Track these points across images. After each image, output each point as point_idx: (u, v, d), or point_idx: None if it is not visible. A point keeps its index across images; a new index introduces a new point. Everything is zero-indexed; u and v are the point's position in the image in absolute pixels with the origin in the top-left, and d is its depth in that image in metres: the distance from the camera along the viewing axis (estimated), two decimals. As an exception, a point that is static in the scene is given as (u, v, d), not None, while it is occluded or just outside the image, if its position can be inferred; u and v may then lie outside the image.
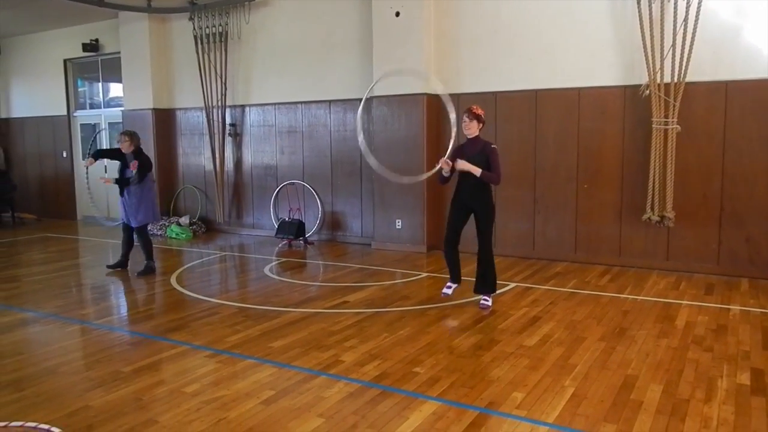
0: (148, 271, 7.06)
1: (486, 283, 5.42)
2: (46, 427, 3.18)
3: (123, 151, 6.93)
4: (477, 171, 5.09)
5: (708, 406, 3.37)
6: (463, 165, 5.12)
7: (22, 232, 10.68)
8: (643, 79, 6.60)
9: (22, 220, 11.85)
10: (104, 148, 7.03)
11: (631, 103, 6.83)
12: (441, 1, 7.88)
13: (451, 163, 5.18)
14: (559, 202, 7.39)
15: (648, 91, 6.54)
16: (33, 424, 3.21)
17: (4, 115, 12.89)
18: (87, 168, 7.05)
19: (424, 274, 6.78)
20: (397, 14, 7.86)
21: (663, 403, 3.40)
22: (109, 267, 7.29)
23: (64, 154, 12.08)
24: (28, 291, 6.41)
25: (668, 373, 3.85)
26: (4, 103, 12.88)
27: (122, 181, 6.93)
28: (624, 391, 3.57)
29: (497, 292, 5.70)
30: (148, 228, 7.53)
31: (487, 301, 5.42)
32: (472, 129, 5.20)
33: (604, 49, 6.95)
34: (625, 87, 6.86)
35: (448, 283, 5.59)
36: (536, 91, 7.40)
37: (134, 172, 6.79)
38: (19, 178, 12.42)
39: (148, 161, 6.98)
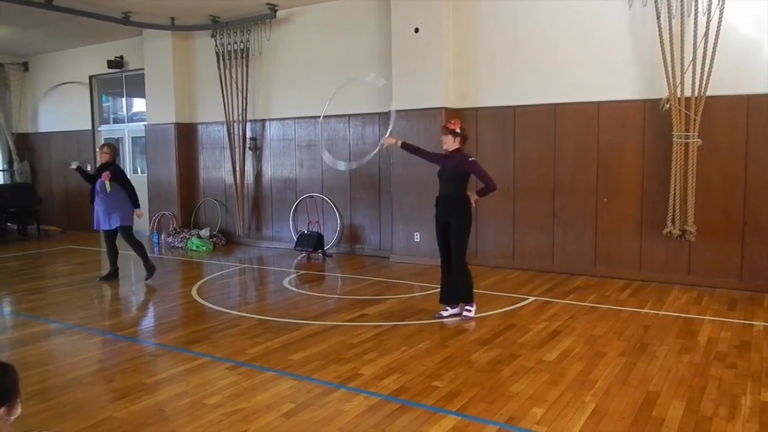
0: (152, 272, 7.27)
1: (466, 290, 5.51)
2: (71, 437, 3.24)
3: (102, 161, 7.30)
4: (392, 141, 5.65)
5: (731, 424, 3.33)
6: (388, 141, 5.67)
7: (46, 244, 10.89)
8: (663, 93, 6.58)
9: (47, 233, 12.08)
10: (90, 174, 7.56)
11: (651, 117, 6.81)
12: (460, 17, 7.94)
13: (392, 141, 5.65)
14: (579, 216, 7.37)
15: (668, 105, 6.52)
16: (59, 434, 3.28)
17: (31, 130, 13.19)
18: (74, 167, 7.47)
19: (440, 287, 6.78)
20: (416, 30, 7.94)
21: (685, 420, 3.37)
22: (101, 279, 7.48)
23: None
24: (53, 302, 6.52)
25: (690, 389, 3.81)
26: (32, 118, 13.18)
27: (91, 178, 7.37)
28: (645, 407, 3.54)
29: (517, 305, 5.68)
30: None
31: (470, 311, 5.49)
32: (449, 143, 5.44)
33: (623, 63, 6.95)
34: (645, 101, 6.84)
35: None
36: (555, 106, 7.40)
37: (105, 182, 7.10)
38: (44, 192, 12.68)
39: (122, 174, 7.37)
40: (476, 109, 7.89)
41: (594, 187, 7.24)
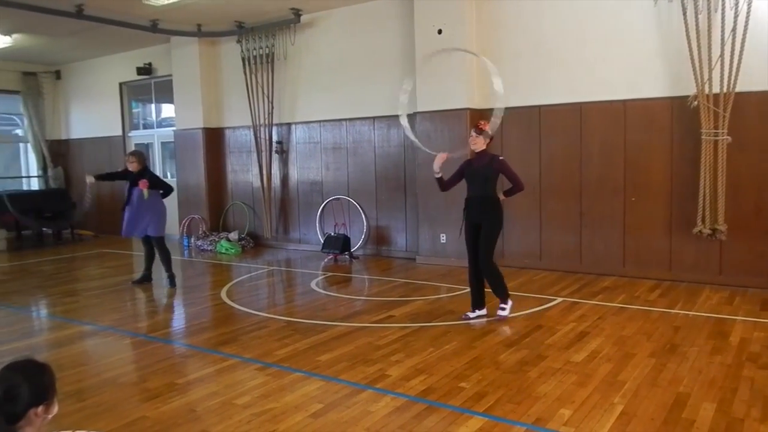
0: (173, 280, 7.38)
1: (501, 291, 5.48)
2: (106, 436, 3.34)
3: (131, 170, 7.28)
4: (440, 162, 5.41)
5: (764, 425, 3.27)
6: (438, 160, 5.42)
7: (80, 248, 11.15)
8: (690, 90, 6.48)
9: (80, 237, 12.37)
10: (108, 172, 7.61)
11: (679, 114, 6.71)
12: (483, 17, 7.93)
13: (440, 162, 5.43)
14: (606, 216, 7.29)
15: (696, 102, 6.42)
16: (94, 433, 3.38)
17: (64, 137, 13.52)
18: (88, 186, 7.52)
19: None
20: (440, 32, 7.94)
21: (716, 422, 3.33)
22: (134, 282, 7.59)
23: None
24: (87, 305, 6.69)
25: (722, 391, 3.76)
26: (64, 125, 13.51)
27: (118, 176, 7.48)
28: (675, 409, 3.51)
29: (544, 306, 5.66)
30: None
31: (504, 310, 5.46)
32: (479, 144, 5.37)
33: (649, 60, 6.86)
34: (672, 98, 6.75)
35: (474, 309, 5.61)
36: (581, 104, 7.35)
37: (144, 190, 7.15)
38: (77, 197, 12.96)
39: (157, 178, 7.48)
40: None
41: (621, 186, 7.17)
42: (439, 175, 5.54)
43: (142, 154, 7.59)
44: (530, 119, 7.72)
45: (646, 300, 6.11)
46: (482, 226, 5.39)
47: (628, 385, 3.87)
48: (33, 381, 1.94)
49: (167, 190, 7.44)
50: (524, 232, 7.85)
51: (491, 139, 5.44)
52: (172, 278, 7.39)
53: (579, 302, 6.08)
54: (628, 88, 7.02)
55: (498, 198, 5.41)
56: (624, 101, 7.07)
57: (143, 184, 7.16)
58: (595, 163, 7.32)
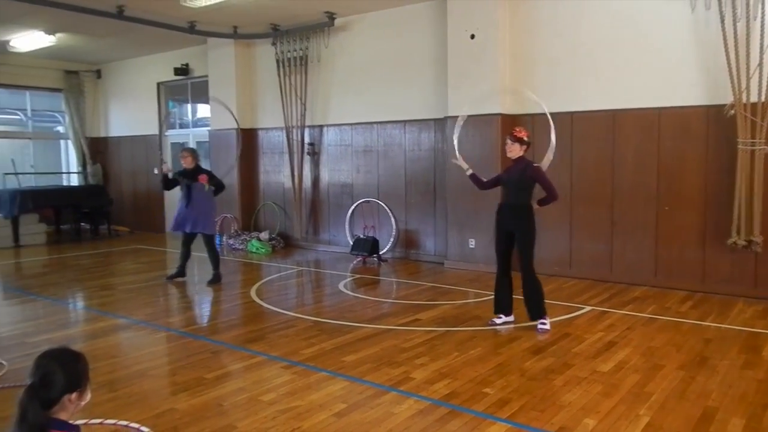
0: (216, 281, 7.48)
1: (533, 306, 5.38)
2: (136, 425, 3.43)
3: (185, 166, 7.41)
4: (465, 166, 5.72)
5: (795, 442, 3.21)
6: (459, 161, 5.73)
7: (116, 244, 11.43)
8: (727, 98, 6.36)
9: (117, 233, 12.68)
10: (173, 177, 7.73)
11: (715, 123, 6.59)
12: (516, 22, 7.90)
13: (464, 165, 5.72)
14: (639, 224, 7.20)
15: (733, 111, 6.30)
16: (125, 423, 3.47)
17: (103, 134, 13.88)
18: (162, 167, 7.71)
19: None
20: (472, 37, 7.94)
21: (745, 437, 3.27)
22: (168, 278, 7.73)
23: (156, 171, 12.84)
24: (121, 299, 6.87)
25: (752, 406, 3.68)
26: (104, 122, 13.87)
27: (171, 185, 7.59)
28: (703, 423, 3.46)
29: (572, 314, 5.61)
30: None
31: (545, 324, 5.35)
32: (515, 151, 5.34)
33: (685, 68, 6.76)
34: (708, 107, 6.63)
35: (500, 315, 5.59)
36: (614, 112, 7.27)
37: (205, 184, 7.27)
38: (114, 193, 13.30)
39: (212, 175, 7.55)
40: (532, 115, 7.82)
41: (654, 194, 7.06)
42: (470, 172, 5.65)
43: (194, 150, 7.70)
44: (562, 125, 7.63)
45: (677, 311, 6.01)
46: (516, 234, 5.35)
47: (655, 397, 3.83)
48: (68, 368, 2.01)
49: (220, 186, 7.55)
50: (554, 239, 7.79)
51: (528, 146, 5.38)
52: (216, 278, 7.49)
53: (608, 311, 6.01)
54: (663, 95, 6.92)
55: (531, 206, 5.34)
56: (659, 109, 6.97)
57: (203, 179, 7.29)
58: (627, 170, 7.23)
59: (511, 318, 5.56)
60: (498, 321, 5.54)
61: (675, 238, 6.97)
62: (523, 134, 5.32)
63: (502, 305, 5.56)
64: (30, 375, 1.97)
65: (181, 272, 7.70)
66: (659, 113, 6.97)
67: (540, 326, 5.35)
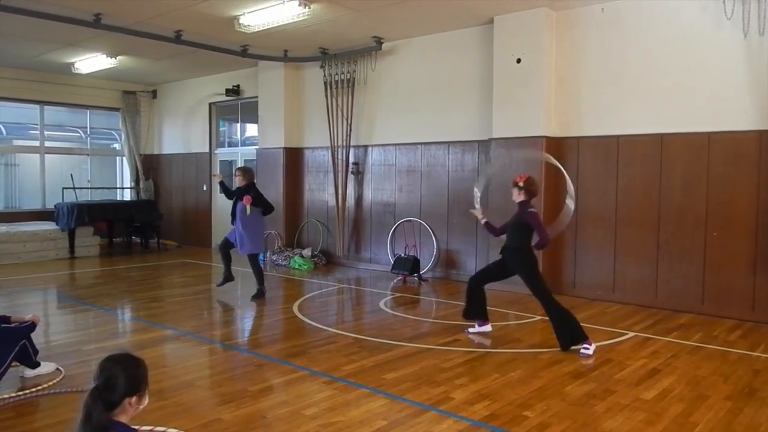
0: (260, 296, 7.62)
1: (561, 337, 5.41)
2: (184, 434, 3.56)
3: (238, 184, 7.60)
4: (479, 216, 6.07)
5: None
6: (476, 212, 6.11)
7: (165, 257, 11.79)
8: (781, 123, 6.24)
9: (166, 247, 13.08)
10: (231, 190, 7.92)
11: (768, 148, 6.46)
12: (563, 46, 7.92)
13: (479, 215, 6.07)
14: (686, 250, 7.06)
15: (787, 137, 6.17)
16: (173, 431, 3.61)
17: (156, 152, 14.39)
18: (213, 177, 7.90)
19: (538, 317, 6.70)
20: (518, 61, 8.00)
21: (794, 471, 3.19)
22: (219, 285, 7.95)
23: (204, 188, 13.25)
24: (170, 311, 7.09)
25: (802, 440, 3.59)
26: (157, 140, 14.39)
27: (230, 194, 7.72)
28: (749, 454, 3.38)
29: (615, 340, 5.54)
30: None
31: (588, 349, 5.32)
32: (515, 196, 5.61)
33: (737, 92, 6.65)
34: (761, 132, 6.51)
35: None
36: (661, 136, 7.19)
37: (247, 206, 7.39)
38: (164, 209, 13.75)
39: (260, 196, 7.62)
40: (578, 138, 7.81)
41: (703, 219, 6.93)
42: (485, 221, 5.97)
43: (250, 170, 7.77)
44: (607, 149, 7.61)
45: (725, 340, 5.86)
46: (520, 276, 5.58)
47: (700, 428, 3.76)
48: (129, 372, 2.15)
49: (268, 208, 7.69)
50: (597, 262, 7.71)
51: (530, 193, 5.55)
52: (260, 293, 7.64)
53: (652, 338, 5.91)
54: (713, 120, 6.82)
55: (529, 248, 5.53)
56: (708, 134, 6.86)
57: (246, 200, 7.42)
58: (675, 194, 7.12)
59: (487, 327, 5.99)
60: (471, 330, 5.94)
61: (724, 264, 6.81)
62: (521, 180, 5.57)
63: (474, 310, 5.91)
64: (94, 378, 2.10)
65: (229, 276, 7.85)
66: (708, 137, 6.86)
67: (583, 350, 5.31)
